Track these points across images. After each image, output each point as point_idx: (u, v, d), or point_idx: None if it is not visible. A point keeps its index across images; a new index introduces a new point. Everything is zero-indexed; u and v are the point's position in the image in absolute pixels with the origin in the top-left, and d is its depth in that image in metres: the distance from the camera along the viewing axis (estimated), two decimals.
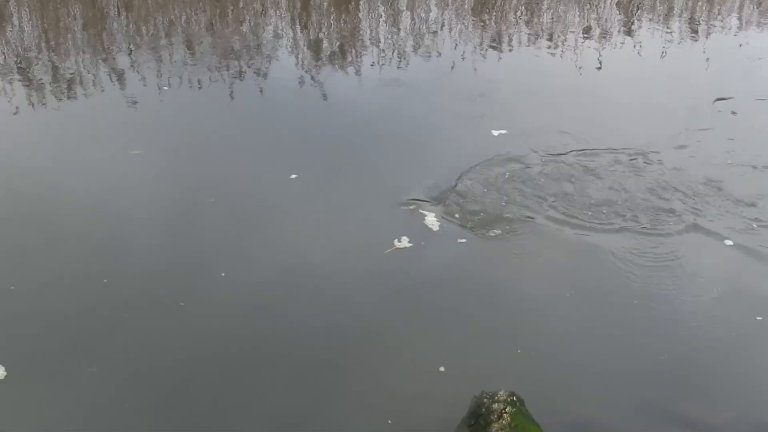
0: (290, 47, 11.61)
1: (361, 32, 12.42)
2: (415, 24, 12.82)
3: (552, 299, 6.15)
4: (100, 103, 9.55)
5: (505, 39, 12.17)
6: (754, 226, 7.06)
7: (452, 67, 10.92)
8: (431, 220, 7.08)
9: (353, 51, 11.61)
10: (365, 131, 8.88)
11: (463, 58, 11.22)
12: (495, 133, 8.68)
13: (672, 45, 12.14)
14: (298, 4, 13.44)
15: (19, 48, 11.41)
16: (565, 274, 6.45)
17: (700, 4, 14.12)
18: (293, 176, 7.73)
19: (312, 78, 10.46)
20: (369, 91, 10.15)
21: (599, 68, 11.04)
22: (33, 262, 6.47)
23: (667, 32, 12.63)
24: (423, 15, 13.23)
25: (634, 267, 6.48)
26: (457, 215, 7.14)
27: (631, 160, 8.15)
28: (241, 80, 10.27)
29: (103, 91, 9.84)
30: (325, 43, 11.86)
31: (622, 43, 12.13)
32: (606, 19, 13.34)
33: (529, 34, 12.40)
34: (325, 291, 6.21)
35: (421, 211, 7.18)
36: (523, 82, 10.45)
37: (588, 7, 13.79)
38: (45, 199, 7.37)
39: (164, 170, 7.94)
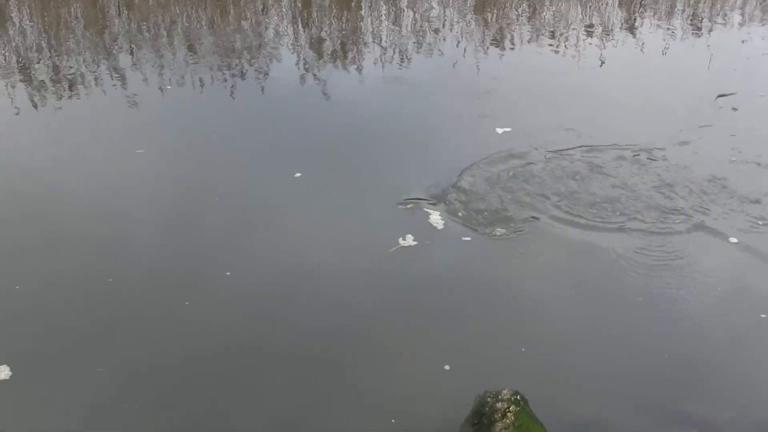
0: (292, 46, 11.59)
1: (363, 30, 12.40)
2: (417, 22, 12.79)
3: (555, 298, 6.13)
4: (102, 103, 9.55)
5: (508, 37, 12.15)
6: (759, 224, 7.03)
7: (455, 65, 10.90)
8: (436, 218, 7.07)
9: (355, 49, 11.59)
10: (369, 130, 8.86)
11: (465, 56, 11.19)
12: (499, 131, 8.66)
13: (674, 41, 12.09)
14: (299, 3, 13.42)
15: (21, 48, 11.41)
16: (568, 273, 6.43)
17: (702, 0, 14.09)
18: (297, 175, 7.72)
19: (315, 77, 10.43)
20: (372, 90, 10.13)
21: (602, 65, 11.01)
22: (36, 262, 6.48)
23: (669, 29, 12.59)
24: (425, 12, 13.20)
25: (638, 266, 6.45)
26: (461, 213, 7.12)
27: (635, 155, 8.13)
28: (243, 79, 10.26)
29: (105, 90, 9.84)
30: (328, 42, 11.84)
31: (625, 40, 12.09)
32: (608, 16, 13.31)
33: (532, 31, 12.37)
34: (330, 289, 6.20)
35: (425, 209, 7.17)
36: (527, 80, 10.43)
37: (590, 4, 13.76)
38: (48, 198, 7.38)
39: (167, 169, 7.94)
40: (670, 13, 13.46)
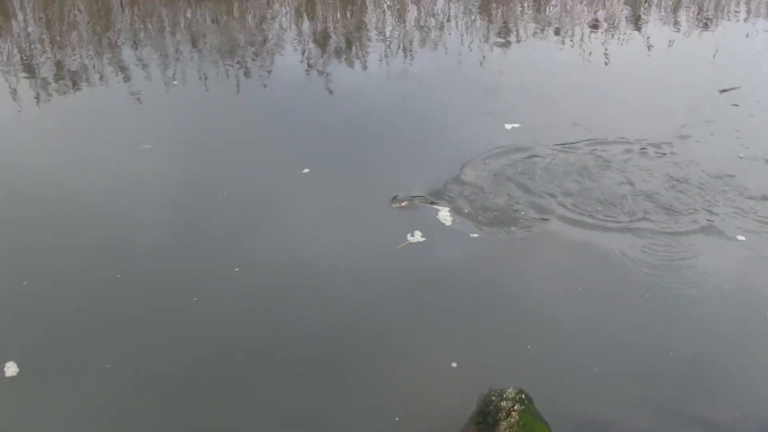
0: (297, 41, 11.56)
1: (368, 26, 12.37)
2: (422, 18, 12.76)
3: (561, 296, 6.12)
4: (108, 99, 9.54)
5: (514, 32, 12.11)
6: (767, 222, 7.00)
7: (462, 61, 10.88)
8: (444, 215, 7.07)
9: (362, 44, 11.55)
10: (377, 126, 8.83)
11: (471, 51, 11.17)
12: (508, 126, 8.65)
13: (680, 36, 12.05)
14: None
15: (24, 44, 11.42)
16: (576, 271, 6.40)
17: None
18: (306, 171, 7.73)
19: (322, 72, 10.41)
20: (380, 86, 10.11)
21: (607, 60, 10.97)
22: (44, 258, 6.49)
23: (675, 23, 12.54)
24: (430, 7, 13.18)
25: (644, 264, 6.43)
26: (470, 210, 7.11)
27: (642, 149, 8.12)
28: (249, 75, 10.24)
29: (111, 86, 9.83)
30: (334, 37, 11.82)
31: (630, 35, 12.05)
32: (614, 11, 13.26)
33: (537, 26, 12.33)
34: (338, 285, 6.20)
35: (435, 206, 7.17)
36: (533, 75, 10.39)
37: (596, 0, 13.76)
38: (55, 195, 7.38)
39: (174, 165, 7.94)
40: (675, 8, 13.41)
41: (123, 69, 10.35)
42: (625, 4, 13.62)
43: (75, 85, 9.88)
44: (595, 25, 12.34)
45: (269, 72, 10.44)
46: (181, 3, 13.08)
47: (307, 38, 11.75)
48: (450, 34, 11.94)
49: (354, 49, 11.41)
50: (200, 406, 5.10)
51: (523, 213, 7.07)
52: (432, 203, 7.20)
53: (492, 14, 13.01)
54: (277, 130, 8.74)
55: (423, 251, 6.62)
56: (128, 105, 9.37)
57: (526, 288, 6.24)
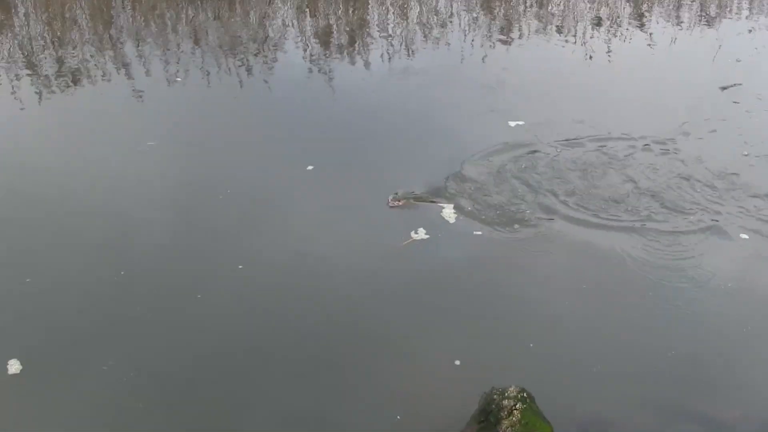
0: (300, 39, 11.55)
1: (372, 23, 12.35)
2: (425, 15, 12.74)
3: (564, 295, 6.11)
4: (111, 96, 9.53)
5: (519, 30, 12.08)
6: None
7: (466, 59, 10.85)
8: (448, 212, 7.06)
9: (366, 42, 11.54)
10: (381, 123, 8.81)
11: (473, 49, 11.14)
12: (512, 124, 8.64)
13: (683, 34, 12.01)
14: None
15: (25, 40, 11.42)
16: (578, 270, 6.40)
17: None
18: (309, 168, 7.74)
19: (325, 69, 10.39)
20: (384, 83, 10.08)
21: (611, 59, 10.93)
22: (47, 256, 6.50)
23: (677, 21, 12.51)
24: (432, 5, 13.16)
25: (648, 262, 6.41)
26: (474, 207, 7.10)
27: (645, 147, 8.11)
28: (252, 74, 10.22)
29: (114, 83, 9.82)
30: (337, 34, 11.81)
31: (633, 32, 12.00)
32: (616, 9, 13.22)
33: (541, 24, 12.30)
34: (342, 283, 6.20)
35: (434, 204, 7.17)
36: (537, 73, 10.36)
37: None
38: (59, 192, 7.38)
39: (177, 163, 7.93)
40: (678, 6, 13.37)
41: (125, 67, 10.34)
42: (627, 1, 13.58)
43: (77, 82, 9.88)
44: (597, 23, 12.30)
45: (272, 69, 10.43)
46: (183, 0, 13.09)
47: (309, 35, 11.74)
48: (452, 31, 11.91)
49: (357, 46, 11.40)
50: (201, 405, 5.11)
51: (526, 210, 7.06)
52: (431, 201, 7.19)
53: (494, 11, 12.97)
54: (280, 127, 8.74)
55: (427, 249, 6.61)
56: (130, 103, 9.37)
57: (528, 286, 6.23)
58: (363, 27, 12.15)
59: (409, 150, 8.14)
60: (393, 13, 12.77)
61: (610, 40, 11.63)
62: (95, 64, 10.41)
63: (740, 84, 9.75)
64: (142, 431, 4.96)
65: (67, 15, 12.37)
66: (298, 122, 8.85)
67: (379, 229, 6.87)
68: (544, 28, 12.07)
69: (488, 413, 4.61)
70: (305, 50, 11.10)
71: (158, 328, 5.71)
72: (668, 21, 12.52)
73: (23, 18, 12.27)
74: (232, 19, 12.27)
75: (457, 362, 5.41)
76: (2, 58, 10.66)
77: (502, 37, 11.74)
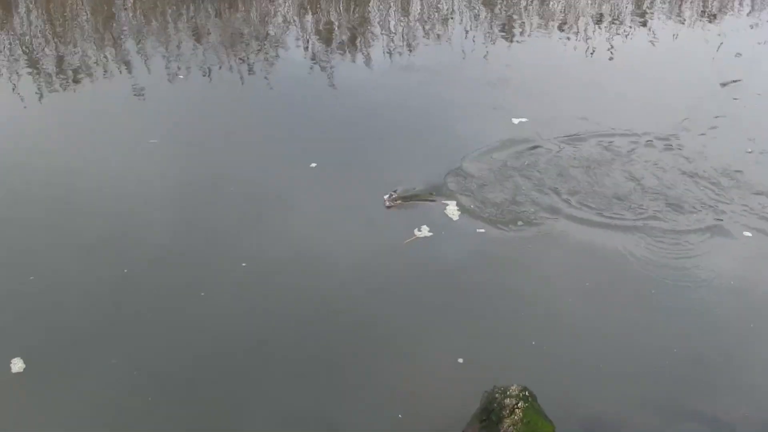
0: (302, 36, 11.53)
1: (374, 20, 12.32)
2: (426, 12, 12.71)
3: (567, 293, 6.11)
4: (113, 95, 9.52)
5: (520, 26, 12.04)
6: None
7: (469, 56, 10.82)
8: (452, 209, 7.06)
9: (368, 39, 11.51)
10: (384, 121, 8.78)
11: (476, 46, 11.11)
12: (515, 121, 8.63)
13: (686, 31, 11.96)
14: None
15: (26, 36, 11.42)
16: (582, 268, 6.39)
17: None
18: (313, 165, 7.73)
19: (327, 66, 10.37)
20: (387, 81, 10.05)
21: (613, 56, 10.87)
22: (51, 253, 6.51)
23: (679, 18, 12.46)
24: (434, 1, 13.13)
25: (651, 260, 6.40)
26: (477, 205, 7.09)
27: (648, 143, 8.09)
28: (254, 71, 10.20)
29: (117, 81, 9.82)
30: (340, 32, 11.79)
31: (635, 29, 11.95)
32: (619, 5, 13.17)
33: (543, 21, 12.26)
34: (345, 280, 6.22)
35: (442, 202, 7.16)
36: (540, 70, 10.33)
37: None
38: (62, 190, 7.40)
39: (180, 160, 7.94)
40: (680, 1, 13.31)
41: (127, 65, 10.33)
42: None
43: (79, 81, 9.87)
44: (599, 19, 12.27)
45: (274, 66, 10.41)
46: None
47: (311, 32, 11.72)
48: (454, 28, 11.88)
49: (359, 43, 11.37)
50: (203, 403, 5.13)
51: (530, 208, 7.06)
52: (430, 200, 7.17)
53: (496, 9, 12.93)
54: (283, 125, 8.73)
55: (430, 247, 6.61)
56: (132, 101, 9.37)
57: (530, 285, 6.22)
58: (364, 24, 12.13)
59: (412, 147, 8.13)
60: (394, 10, 12.74)
61: (612, 36, 11.59)
62: (97, 62, 10.41)
63: (739, 80, 9.71)
64: (145, 429, 4.97)
65: (68, 13, 12.36)
66: (300, 120, 8.84)
67: (383, 226, 6.87)
68: (546, 25, 12.04)
69: (490, 412, 4.60)
70: (307, 47, 11.09)
71: (161, 327, 5.72)
72: (670, 17, 12.47)
73: (24, 15, 12.26)
74: (234, 16, 12.25)
75: (460, 360, 5.41)
76: (4, 56, 10.66)
77: (503, 33, 11.70)
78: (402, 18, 12.37)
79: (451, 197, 7.21)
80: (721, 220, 6.86)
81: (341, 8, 12.85)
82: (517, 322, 5.82)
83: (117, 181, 7.50)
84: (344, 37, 11.56)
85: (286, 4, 13.03)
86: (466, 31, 11.75)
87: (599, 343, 5.61)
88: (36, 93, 9.55)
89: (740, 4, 13.30)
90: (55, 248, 6.56)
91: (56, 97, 9.48)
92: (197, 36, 11.39)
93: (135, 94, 9.49)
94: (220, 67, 10.25)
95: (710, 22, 12.34)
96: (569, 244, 6.66)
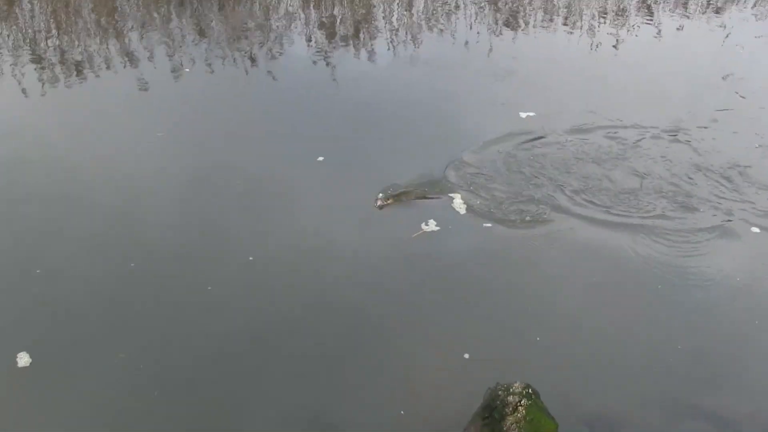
0: (307, 31, 11.46)
1: (378, 14, 12.26)
2: (431, 6, 12.64)
3: (572, 288, 6.11)
4: (119, 87, 9.49)
5: (526, 20, 11.97)
6: None
7: (476, 51, 10.76)
8: (458, 203, 7.04)
9: (375, 33, 11.44)
10: (391, 116, 8.75)
11: (483, 40, 11.05)
12: (522, 115, 8.60)
13: (691, 24, 11.87)
14: None
15: (31, 32, 11.40)
16: (587, 263, 6.39)
17: None
18: (320, 159, 7.74)
19: (334, 61, 10.33)
20: (393, 76, 9.99)
21: (620, 49, 10.81)
22: (57, 246, 6.54)
23: (684, 11, 12.36)
24: None
25: (657, 257, 6.39)
26: (484, 199, 7.08)
27: (655, 138, 8.05)
28: (259, 65, 10.15)
29: (122, 74, 9.78)
30: (346, 26, 11.74)
31: (641, 22, 11.86)
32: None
33: (547, 15, 12.19)
34: (351, 274, 6.23)
35: (450, 194, 7.15)
36: (547, 64, 10.25)
37: None
38: (69, 183, 7.41)
39: (188, 154, 7.95)
40: None
41: (131, 59, 10.28)
42: None
43: (84, 74, 9.84)
44: (604, 12, 12.19)
45: (279, 61, 10.36)
46: None
47: (315, 26, 11.68)
48: (458, 21, 11.80)
49: (365, 37, 11.32)
50: (212, 395, 5.16)
51: (537, 203, 7.05)
52: (428, 197, 7.14)
53: (500, 1, 12.84)
54: (289, 119, 8.71)
55: (437, 241, 6.61)
56: (138, 95, 9.35)
57: (535, 280, 6.22)
58: (369, 17, 12.06)
59: (419, 142, 8.12)
60: (399, 3, 12.67)
61: (619, 30, 11.50)
62: (101, 56, 10.37)
63: (733, 73, 9.66)
64: (151, 423, 4.99)
65: (71, 7, 12.34)
66: (307, 114, 8.82)
67: (390, 220, 6.87)
68: (551, 19, 11.96)
69: (493, 409, 4.59)
70: (310, 41, 11.03)
71: (167, 322, 5.74)
72: (675, 10, 12.37)
73: (27, 8, 12.25)
74: (237, 9, 12.20)
75: (466, 356, 5.41)
76: (7, 49, 10.66)
77: (508, 27, 11.63)
78: (406, 11, 12.30)
79: (447, 192, 7.19)
80: (730, 220, 6.83)
81: (345, 1, 12.79)
82: (522, 318, 5.82)
83: (123, 175, 7.51)
84: (349, 31, 11.51)
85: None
86: (471, 25, 11.68)
87: (603, 340, 5.61)
88: (41, 87, 9.54)
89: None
90: (62, 242, 6.58)
91: (61, 91, 9.46)
92: (202, 29, 11.35)
93: (140, 88, 9.48)
94: (225, 61, 10.21)
95: (716, 14, 12.24)
96: (576, 241, 6.65)
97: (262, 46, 10.77)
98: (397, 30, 11.48)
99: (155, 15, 11.94)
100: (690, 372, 5.32)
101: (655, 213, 6.89)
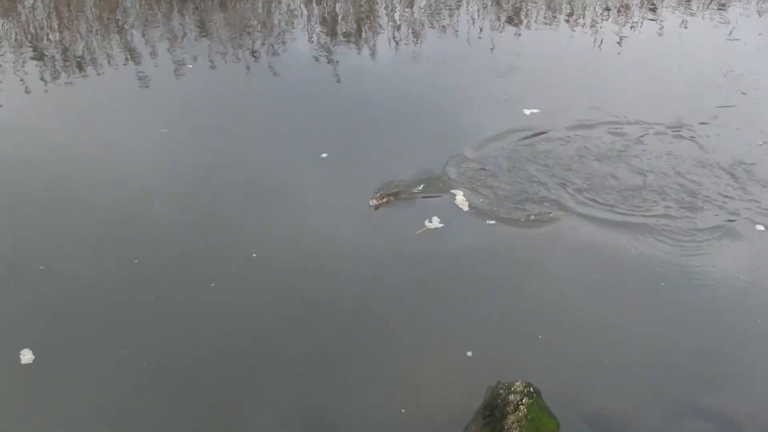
0: (310, 27, 11.46)
1: (381, 11, 12.24)
2: (435, 2, 12.61)
3: (575, 286, 6.09)
4: (123, 84, 9.50)
5: (530, 16, 11.94)
6: None
7: (480, 48, 10.74)
8: (461, 199, 7.04)
9: (378, 29, 11.43)
10: (395, 112, 8.73)
11: (487, 37, 11.04)
12: (527, 112, 8.58)
13: (696, 20, 11.82)
14: None
15: (34, 29, 11.42)
16: (590, 261, 6.36)
17: None
18: (324, 155, 7.73)
19: (337, 57, 10.33)
20: (398, 73, 9.98)
21: (623, 46, 10.77)
22: (61, 243, 6.54)
23: (688, 8, 12.31)
24: None
25: (660, 255, 6.36)
26: (487, 197, 7.08)
27: (659, 135, 8.04)
28: (262, 62, 10.16)
29: (126, 71, 9.79)
30: (349, 23, 11.73)
31: (645, 20, 11.82)
32: None
33: (551, 11, 12.16)
34: (354, 271, 6.23)
35: (452, 191, 7.14)
36: (551, 61, 10.24)
37: None
38: (72, 179, 7.41)
39: (192, 150, 7.95)
40: None
41: (135, 54, 10.29)
42: None
43: (87, 70, 9.85)
44: (607, 8, 12.15)
45: (282, 57, 10.36)
46: None
47: (316, 23, 11.66)
48: (461, 19, 11.77)
49: (367, 33, 11.31)
50: (216, 391, 5.16)
51: (541, 200, 7.03)
52: (427, 196, 7.11)
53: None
54: (293, 115, 8.71)
55: (440, 238, 6.60)
56: (142, 91, 9.35)
57: (538, 278, 6.21)
58: (372, 14, 12.04)
59: (423, 139, 8.11)
60: (401, 2, 12.65)
61: (622, 27, 11.46)
62: (103, 52, 10.39)
63: (732, 70, 9.66)
64: (154, 420, 5.00)
65: (74, 3, 12.35)
66: (310, 111, 8.81)
67: (395, 217, 6.86)
68: (554, 16, 11.92)
69: (494, 408, 4.58)
70: (312, 38, 11.02)
71: (171, 318, 5.75)
72: (678, 7, 12.32)
73: (30, 4, 12.25)
74: (240, 5, 12.19)
75: (469, 353, 5.41)
76: (9, 45, 10.67)
77: (510, 25, 11.61)
78: (408, 8, 12.26)
79: (449, 189, 7.18)
80: (734, 220, 6.78)
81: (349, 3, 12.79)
82: (524, 316, 5.82)
83: (127, 171, 7.51)
84: (352, 27, 11.49)
85: None
86: (473, 21, 11.65)
87: (606, 339, 5.60)
88: (45, 83, 9.55)
89: None
90: (65, 238, 6.58)
91: (64, 87, 9.47)
92: (204, 26, 11.35)
93: (143, 84, 9.48)
94: (227, 58, 10.21)
95: (719, 9, 12.19)
96: (579, 238, 6.63)
97: (264, 43, 10.76)
98: (400, 26, 11.46)
99: (158, 11, 11.95)
100: (692, 371, 5.30)
101: (660, 212, 6.86)
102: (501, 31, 11.33)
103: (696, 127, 8.22)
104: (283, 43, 10.83)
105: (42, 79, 9.64)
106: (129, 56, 10.24)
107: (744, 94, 9.12)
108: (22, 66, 9.96)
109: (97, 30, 11.27)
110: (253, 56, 10.29)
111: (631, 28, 11.44)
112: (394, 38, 10.97)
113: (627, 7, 12.27)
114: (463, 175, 7.37)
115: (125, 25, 11.36)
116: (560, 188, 7.20)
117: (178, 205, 7.05)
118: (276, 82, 9.66)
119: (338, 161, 7.66)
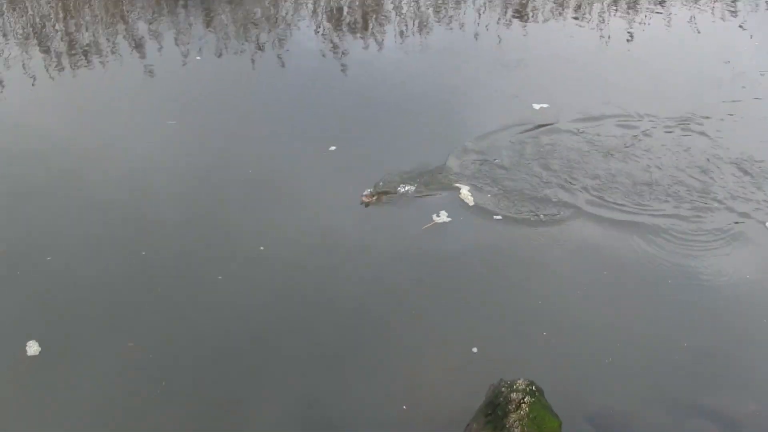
0: (317, 21, 11.45)
1: (388, 4, 12.20)
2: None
3: (579, 285, 6.08)
4: (131, 76, 9.53)
5: (539, 9, 11.88)
6: None
7: (490, 42, 10.70)
8: (465, 193, 7.02)
9: (384, 23, 11.40)
10: (404, 107, 8.71)
11: (498, 32, 10.98)
12: (536, 106, 8.55)
13: (703, 16, 11.72)
14: None
15: (37, 22, 11.45)
16: (594, 260, 6.33)
17: None
18: (332, 148, 7.73)
19: (345, 50, 10.32)
20: (406, 67, 9.93)
21: (633, 40, 10.69)
22: (68, 235, 6.58)
23: (696, 4, 12.20)
24: None
25: (667, 253, 6.32)
26: (493, 191, 7.06)
27: (668, 131, 7.98)
28: (269, 56, 10.15)
29: (134, 63, 9.82)
30: (358, 16, 11.70)
31: (655, 14, 11.71)
32: None
33: (558, 5, 12.08)
34: (355, 270, 6.22)
35: (456, 184, 7.13)
36: (560, 55, 10.12)
37: None
38: (80, 172, 7.44)
39: (199, 143, 7.97)
40: None
41: (142, 46, 10.30)
42: None
43: (93, 61, 9.88)
44: (615, 2, 12.06)
45: (290, 51, 10.34)
46: None
47: (324, 16, 11.63)
48: (467, 13, 11.70)
49: (374, 27, 11.27)
50: (220, 388, 5.20)
51: (549, 197, 7.00)
52: (427, 195, 7.08)
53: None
54: (302, 108, 8.72)
55: (447, 233, 6.60)
56: (149, 82, 9.42)
57: (542, 276, 6.20)
58: (379, 6, 12.00)
59: (432, 133, 8.11)
60: None
61: (632, 21, 11.36)
62: (110, 44, 10.40)
63: (728, 61, 9.63)
64: (159, 412, 5.04)
65: None
66: (318, 104, 8.82)
67: (402, 211, 6.86)
68: (564, 10, 11.84)
69: (496, 406, 4.58)
70: (318, 30, 11.00)
71: (177, 311, 5.78)
72: (686, 1, 12.21)
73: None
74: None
75: (475, 349, 5.41)
76: (16, 38, 10.70)
77: (517, 19, 11.54)
78: (415, 1, 12.20)
79: (454, 183, 7.16)
80: (743, 221, 6.73)
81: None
82: (526, 314, 5.81)
83: (135, 163, 7.54)
84: (358, 21, 11.45)
85: None
86: (480, 14, 11.58)
87: (608, 338, 5.58)
88: (51, 77, 9.60)
89: None
90: (73, 230, 6.64)
91: (70, 79, 9.52)
92: (211, 18, 11.34)
93: (151, 76, 9.51)
94: (234, 50, 10.21)
95: (729, 3, 12.08)
96: (585, 235, 6.62)
97: (270, 35, 10.75)
98: (406, 19, 11.41)
99: (163, 4, 11.94)
100: (695, 370, 5.29)
101: (669, 209, 6.82)
102: (508, 26, 11.26)
103: (707, 123, 8.15)
104: (290, 35, 10.82)
105: (47, 68, 9.70)
106: (136, 48, 10.26)
107: (744, 87, 9.04)
108: (29, 58, 10.00)
109: (102, 21, 11.28)
110: (259, 49, 10.28)
111: (640, 22, 11.35)
112: (402, 33, 10.92)
113: (635, 1, 12.18)
114: (467, 169, 7.34)
115: (132, 17, 11.36)
116: (568, 184, 7.18)
117: (184, 199, 7.08)
118: (282, 75, 9.68)
119: (346, 154, 7.66)
